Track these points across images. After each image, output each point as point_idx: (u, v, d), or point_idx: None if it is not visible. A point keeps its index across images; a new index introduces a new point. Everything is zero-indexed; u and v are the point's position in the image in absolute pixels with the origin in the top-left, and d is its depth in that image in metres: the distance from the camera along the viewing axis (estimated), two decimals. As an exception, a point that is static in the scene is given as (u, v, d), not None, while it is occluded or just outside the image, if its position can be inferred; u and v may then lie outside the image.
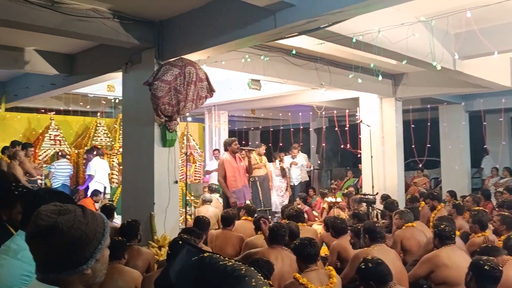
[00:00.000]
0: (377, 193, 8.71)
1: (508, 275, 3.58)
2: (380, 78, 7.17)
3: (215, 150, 11.96)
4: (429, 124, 11.48)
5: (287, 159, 11.40)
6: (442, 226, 4.48)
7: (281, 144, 13.32)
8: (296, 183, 11.37)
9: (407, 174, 12.55)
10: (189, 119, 7.61)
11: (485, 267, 3.16)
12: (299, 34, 5.20)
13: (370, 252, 4.14)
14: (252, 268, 1.47)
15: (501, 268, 3.25)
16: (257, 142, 13.10)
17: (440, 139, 12.76)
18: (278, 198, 10.44)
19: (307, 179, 12.69)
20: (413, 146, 10.85)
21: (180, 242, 3.82)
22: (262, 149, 9.37)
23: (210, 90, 6.11)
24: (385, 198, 8.18)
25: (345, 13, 4.49)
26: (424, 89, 10.14)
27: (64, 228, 1.43)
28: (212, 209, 7.59)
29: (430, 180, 13.63)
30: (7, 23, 5.14)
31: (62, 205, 1.51)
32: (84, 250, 1.47)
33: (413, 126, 10.58)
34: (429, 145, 11.11)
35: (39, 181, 9.14)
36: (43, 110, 11.56)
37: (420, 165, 12.15)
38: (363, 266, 3.33)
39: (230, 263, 1.46)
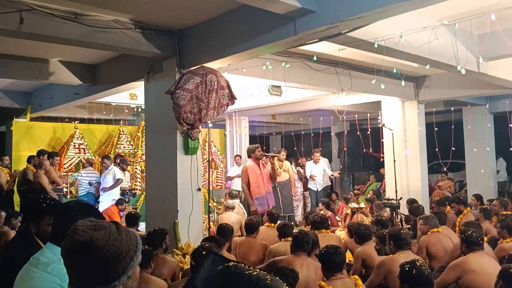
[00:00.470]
0: (401, 198, 8.58)
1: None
2: (403, 83, 7.08)
3: (236, 156, 11.98)
4: (453, 126, 11.28)
5: (309, 165, 11.35)
6: (469, 232, 4.38)
7: (302, 149, 13.27)
8: (319, 189, 11.33)
9: (431, 177, 12.34)
10: (210, 125, 7.63)
11: (516, 275, 3.09)
12: (320, 40, 5.19)
13: (396, 259, 4.08)
14: (277, 277, 1.46)
15: (532, 276, 3.17)
16: (278, 148, 13.07)
17: (464, 141, 12.53)
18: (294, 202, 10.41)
19: (329, 183, 12.62)
20: (436, 149, 10.68)
21: (204, 252, 3.83)
22: (282, 154, 9.33)
23: (232, 98, 6.13)
24: (411, 202, 8.06)
25: (366, 19, 4.46)
26: (447, 91, 9.98)
27: (100, 243, 1.45)
28: (235, 216, 7.58)
29: (455, 183, 13.38)
30: (33, 36, 5.26)
31: (98, 221, 1.53)
32: (118, 266, 1.48)
33: (436, 129, 10.40)
34: (453, 148, 10.91)
35: (64, 189, 9.29)
36: (67, 119, 11.77)
37: (444, 168, 11.94)
38: (407, 269, 3.27)
39: (255, 273, 1.44)
